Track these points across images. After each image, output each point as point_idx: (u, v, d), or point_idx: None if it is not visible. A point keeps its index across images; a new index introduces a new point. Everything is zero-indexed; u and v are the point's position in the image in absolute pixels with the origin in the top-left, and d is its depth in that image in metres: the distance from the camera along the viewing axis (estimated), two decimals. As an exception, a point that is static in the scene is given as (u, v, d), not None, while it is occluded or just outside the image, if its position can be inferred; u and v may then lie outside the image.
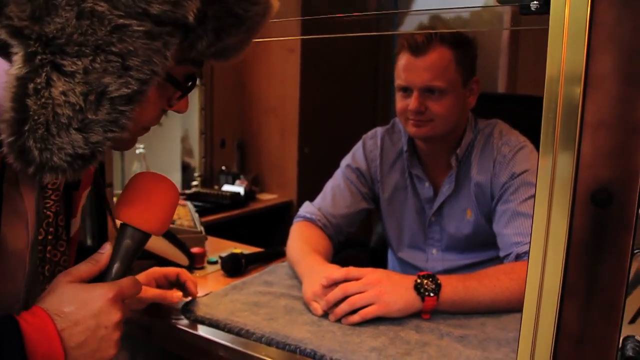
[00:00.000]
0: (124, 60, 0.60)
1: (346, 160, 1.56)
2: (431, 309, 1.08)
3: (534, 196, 0.66)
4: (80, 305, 0.69)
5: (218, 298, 1.17)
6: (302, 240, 1.37)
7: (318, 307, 1.10)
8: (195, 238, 1.48)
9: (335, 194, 1.50)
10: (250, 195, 2.54)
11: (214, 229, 1.79)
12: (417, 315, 1.09)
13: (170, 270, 1.14)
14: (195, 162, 2.68)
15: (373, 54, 3.01)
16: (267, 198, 2.65)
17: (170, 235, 1.32)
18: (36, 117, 0.60)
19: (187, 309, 1.11)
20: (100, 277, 0.74)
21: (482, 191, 1.38)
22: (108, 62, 0.60)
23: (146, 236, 0.76)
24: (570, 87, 0.63)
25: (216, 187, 2.62)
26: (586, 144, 0.63)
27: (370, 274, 1.11)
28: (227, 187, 2.55)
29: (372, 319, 1.06)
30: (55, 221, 0.78)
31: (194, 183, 2.62)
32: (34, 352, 0.63)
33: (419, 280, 1.09)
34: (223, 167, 2.67)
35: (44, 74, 0.59)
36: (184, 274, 1.14)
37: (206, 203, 2.36)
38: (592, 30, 0.61)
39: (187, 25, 0.64)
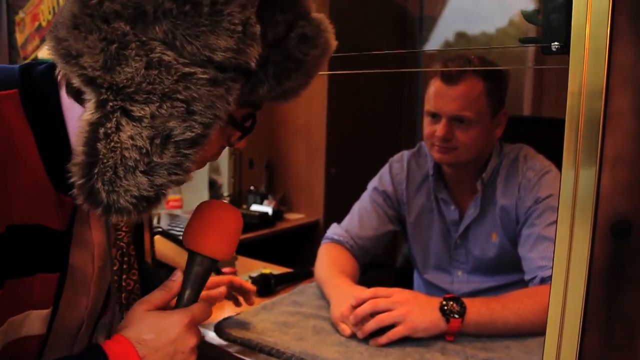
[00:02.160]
0: (188, 105, 0.62)
1: (373, 183, 1.59)
2: (456, 331, 1.10)
3: (558, 221, 0.68)
4: (159, 332, 0.73)
5: (249, 317, 1.21)
6: (330, 262, 1.41)
7: (346, 328, 1.13)
8: (227, 258, 1.52)
9: (362, 216, 1.54)
10: (278, 215, 2.59)
11: (242, 248, 1.83)
12: (442, 337, 1.11)
13: (222, 279, 1.15)
14: (222, 179, 2.74)
15: (399, 77, 3.06)
16: (295, 218, 2.70)
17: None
18: (105, 161, 0.63)
19: (220, 328, 1.15)
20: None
21: (507, 215, 1.40)
22: (173, 108, 0.62)
23: (214, 262, 0.79)
24: (590, 123, 0.66)
25: (244, 206, 2.68)
26: (606, 177, 0.66)
27: (398, 294, 1.14)
28: (255, 207, 2.60)
29: (399, 341, 1.09)
30: (127, 251, 0.84)
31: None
32: None
33: (444, 302, 1.11)
34: (251, 187, 2.73)
35: (114, 119, 0.62)
36: (236, 279, 1.16)
37: (235, 222, 2.41)
38: (610, 70, 0.64)
39: (249, 71, 0.66)
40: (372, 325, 1.10)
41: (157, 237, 1.40)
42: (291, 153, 2.80)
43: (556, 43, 0.66)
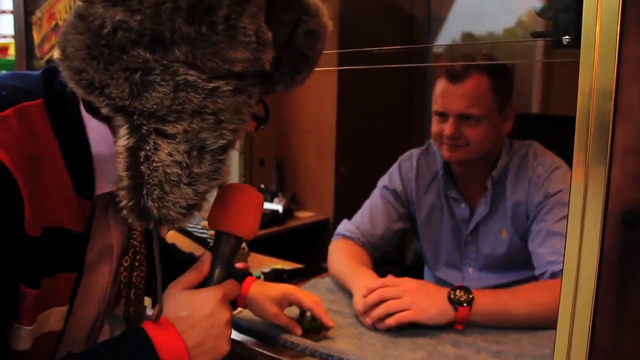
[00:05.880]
0: (217, 116, 0.66)
1: (383, 181, 1.61)
2: (464, 320, 1.12)
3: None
4: (194, 309, 0.77)
5: (262, 311, 1.23)
6: (347, 255, 1.43)
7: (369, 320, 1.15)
8: (239, 254, 1.54)
9: (373, 213, 1.55)
10: (288, 212, 2.61)
11: (253, 245, 1.86)
12: (454, 330, 1.13)
13: (307, 301, 1.12)
14: (234, 179, 2.77)
15: (407, 76, 3.07)
16: (305, 216, 2.72)
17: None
18: (151, 181, 0.66)
19: (234, 321, 1.17)
20: (204, 283, 0.82)
21: (517, 211, 1.42)
22: (204, 121, 0.66)
23: (240, 241, 0.83)
24: (600, 116, 0.67)
25: (255, 204, 2.70)
26: (616, 169, 0.68)
27: (406, 282, 1.17)
28: (266, 205, 2.62)
29: (410, 333, 1.11)
30: (140, 249, 0.87)
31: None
32: (165, 354, 0.72)
33: (452, 291, 1.13)
34: (262, 186, 2.76)
35: (151, 142, 0.66)
36: (319, 308, 1.12)
37: (246, 220, 2.44)
38: (620, 63, 0.66)
39: (265, 73, 0.70)
40: (380, 311, 1.12)
41: (171, 233, 1.43)
42: (301, 151, 2.82)
43: (567, 37, 0.68)
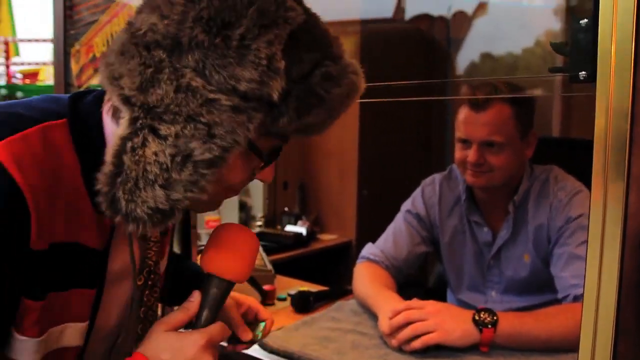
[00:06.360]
0: (210, 129, 0.67)
1: (406, 206, 1.64)
2: (489, 342, 1.14)
3: (589, 240, 0.73)
4: (175, 352, 0.75)
5: (290, 332, 1.27)
6: (372, 279, 1.46)
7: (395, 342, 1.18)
8: (266, 276, 1.59)
9: (396, 237, 1.58)
10: (311, 235, 2.65)
11: (278, 267, 1.90)
12: (478, 352, 1.15)
13: (264, 313, 1.08)
14: (252, 201, 2.82)
15: (428, 101, 3.11)
16: (328, 238, 2.76)
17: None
18: (128, 172, 0.68)
19: (263, 342, 1.21)
20: (191, 324, 0.80)
21: (538, 235, 1.44)
22: (196, 130, 0.67)
23: (231, 285, 0.81)
24: (617, 146, 0.70)
25: (278, 227, 2.75)
26: (633, 195, 0.71)
27: (431, 305, 1.20)
28: (289, 228, 2.67)
29: (435, 354, 1.13)
30: (154, 269, 0.88)
31: (258, 224, 2.76)
32: None
33: (477, 313, 1.16)
34: (285, 209, 2.81)
35: (141, 135, 0.68)
36: (265, 313, 1.09)
37: (271, 243, 2.48)
38: (635, 97, 0.69)
39: (271, 102, 0.69)
40: (406, 333, 1.15)
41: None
42: (324, 175, 2.87)
43: (583, 72, 0.71)
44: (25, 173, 0.67)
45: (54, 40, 1.73)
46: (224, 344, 0.96)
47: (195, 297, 0.80)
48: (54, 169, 0.71)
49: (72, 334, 0.79)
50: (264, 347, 1.19)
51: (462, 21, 2.86)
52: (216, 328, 0.79)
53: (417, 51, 2.95)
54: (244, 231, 0.83)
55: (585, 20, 0.71)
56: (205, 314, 0.79)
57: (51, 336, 0.76)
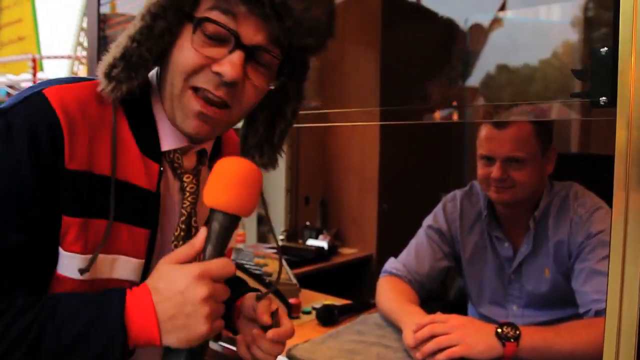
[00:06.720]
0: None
1: (428, 221, 1.67)
2: (512, 356, 1.17)
3: (610, 255, 0.76)
4: (170, 282, 0.75)
5: (316, 345, 1.30)
6: (396, 292, 1.49)
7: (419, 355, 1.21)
8: (292, 290, 1.63)
9: (418, 252, 1.62)
10: (333, 249, 2.69)
11: (302, 281, 1.94)
12: (500, 365, 1.18)
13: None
14: (279, 217, 2.87)
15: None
16: (348, 252, 2.79)
17: (275, 290, 1.48)
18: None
19: (292, 354, 1.25)
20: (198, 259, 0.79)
21: (559, 250, 1.46)
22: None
23: (231, 217, 0.79)
24: (637, 167, 0.74)
25: (300, 241, 2.79)
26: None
27: (454, 319, 1.23)
28: (311, 242, 2.71)
29: (459, 369, 1.16)
30: (189, 220, 0.91)
31: (280, 237, 2.80)
32: (134, 319, 0.73)
33: (500, 327, 1.19)
34: (307, 223, 2.85)
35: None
36: (288, 321, 1.05)
37: (293, 257, 2.53)
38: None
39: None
40: (431, 346, 1.18)
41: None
42: (344, 190, 2.92)
43: (604, 98, 0.75)
44: (65, 107, 0.76)
45: (88, 59, 1.79)
46: (233, 348, 0.97)
47: (201, 232, 0.79)
48: (100, 115, 0.81)
49: (125, 267, 0.84)
50: (293, 359, 1.23)
51: (479, 34, 2.90)
52: (216, 262, 0.78)
53: (437, 62, 2.99)
54: (243, 164, 0.80)
55: (606, 48, 0.75)
56: (209, 249, 0.78)
57: (101, 263, 0.81)
